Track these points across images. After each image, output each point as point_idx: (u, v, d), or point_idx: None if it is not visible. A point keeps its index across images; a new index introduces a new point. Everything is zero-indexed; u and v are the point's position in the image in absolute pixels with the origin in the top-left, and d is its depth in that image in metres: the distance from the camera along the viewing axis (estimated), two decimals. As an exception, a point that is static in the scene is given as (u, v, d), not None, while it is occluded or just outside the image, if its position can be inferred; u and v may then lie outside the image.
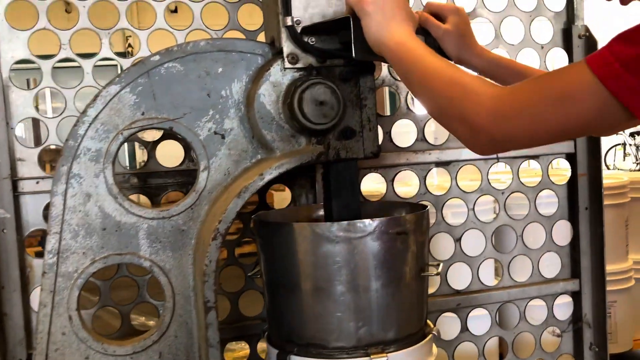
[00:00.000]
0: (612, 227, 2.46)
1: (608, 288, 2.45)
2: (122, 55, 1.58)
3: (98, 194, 1.22)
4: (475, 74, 1.27)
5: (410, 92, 1.07)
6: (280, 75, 1.25)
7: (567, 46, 1.78)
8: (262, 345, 1.48)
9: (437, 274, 1.31)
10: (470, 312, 1.75)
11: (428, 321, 1.36)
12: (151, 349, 1.25)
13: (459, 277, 1.77)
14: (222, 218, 1.16)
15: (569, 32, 1.77)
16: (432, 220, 1.72)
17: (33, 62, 1.46)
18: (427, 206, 1.35)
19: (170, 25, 1.53)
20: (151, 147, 1.54)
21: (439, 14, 1.24)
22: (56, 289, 1.20)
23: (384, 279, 1.21)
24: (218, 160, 1.27)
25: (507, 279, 1.78)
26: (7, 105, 1.42)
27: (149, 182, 1.52)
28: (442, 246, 1.75)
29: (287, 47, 1.23)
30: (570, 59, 1.77)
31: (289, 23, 1.21)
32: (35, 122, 1.53)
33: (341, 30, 1.16)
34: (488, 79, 1.01)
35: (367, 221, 1.18)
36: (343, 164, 1.29)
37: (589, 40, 1.76)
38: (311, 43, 1.23)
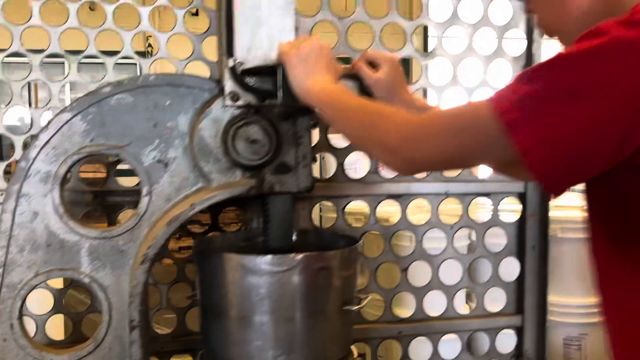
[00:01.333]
0: (581, 260, 2.51)
1: (579, 321, 2.51)
2: (142, 54, 1.69)
3: (45, 213, 1.31)
4: None
5: (335, 130, 1.15)
6: (221, 112, 1.34)
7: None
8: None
9: (360, 307, 1.37)
10: (412, 340, 1.82)
11: (353, 348, 1.43)
12: (86, 359, 1.35)
13: (406, 306, 1.84)
14: (151, 244, 1.25)
15: (526, 76, 1.83)
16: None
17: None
18: (358, 241, 1.42)
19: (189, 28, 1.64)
20: (110, 166, 1.64)
21: (373, 63, 1.32)
22: (0, 298, 1.29)
23: (305, 311, 1.29)
24: (160, 186, 1.36)
25: (451, 310, 1.85)
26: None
27: (107, 200, 1.62)
28: (391, 275, 1.82)
29: (228, 85, 1.31)
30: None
31: (231, 64, 1.30)
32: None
33: (276, 74, 1.25)
34: (403, 109, 1.07)
35: (291, 256, 1.26)
36: (278, 197, 1.37)
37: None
38: (251, 84, 1.31)
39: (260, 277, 1.25)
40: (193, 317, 1.69)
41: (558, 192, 0.78)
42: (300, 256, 1.26)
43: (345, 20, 1.72)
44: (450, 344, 1.87)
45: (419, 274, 1.82)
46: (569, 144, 0.74)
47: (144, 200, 1.35)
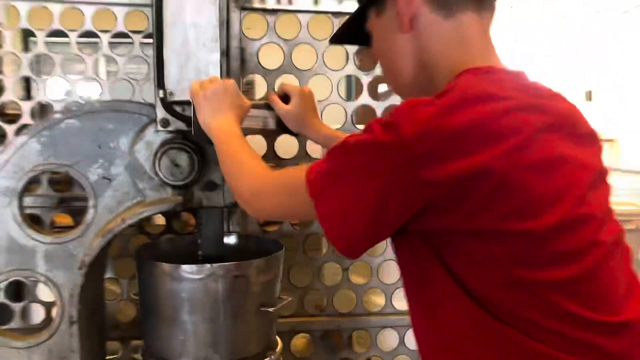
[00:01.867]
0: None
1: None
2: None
3: (6, 221, 1.53)
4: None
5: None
6: (153, 136, 1.52)
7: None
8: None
9: (275, 309, 1.55)
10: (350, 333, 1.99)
11: (279, 341, 1.62)
12: (43, 344, 1.57)
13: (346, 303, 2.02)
14: (88, 252, 1.46)
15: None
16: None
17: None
18: (281, 248, 1.59)
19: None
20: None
21: (286, 94, 1.47)
22: (-31, 292, 1.53)
23: (223, 313, 1.47)
24: (104, 199, 1.56)
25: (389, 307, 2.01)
26: None
27: (72, 204, 1.83)
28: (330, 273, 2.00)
29: (159, 113, 1.49)
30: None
31: (161, 95, 1.48)
32: None
33: None
34: (262, 162, 1.17)
35: (207, 266, 1.45)
36: (207, 211, 1.56)
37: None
38: (180, 112, 1.49)
39: (181, 283, 1.44)
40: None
41: (351, 255, 0.91)
42: (214, 266, 1.44)
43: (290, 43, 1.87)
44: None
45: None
46: (352, 215, 0.87)
47: (91, 212, 1.55)
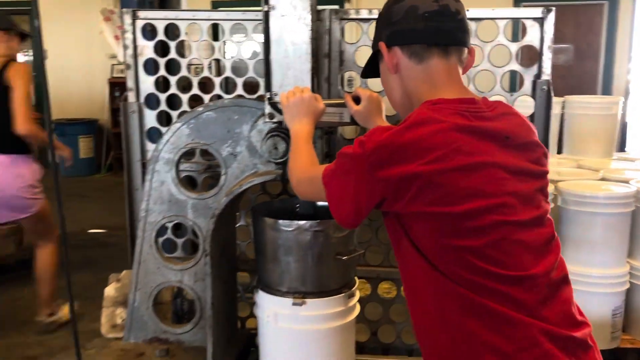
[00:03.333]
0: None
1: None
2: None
3: (168, 182, 2.20)
4: None
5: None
6: (263, 125, 2.07)
7: (533, 95, 2.24)
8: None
9: (347, 258, 2.04)
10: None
11: (356, 281, 2.12)
12: (190, 269, 2.25)
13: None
14: (218, 207, 2.07)
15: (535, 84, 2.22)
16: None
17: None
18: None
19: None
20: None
21: (358, 97, 1.92)
22: (145, 229, 2.24)
23: (308, 256, 2.00)
24: (232, 170, 2.16)
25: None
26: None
27: (215, 170, 2.47)
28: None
29: (267, 109, 2.03)
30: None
31: (268, 96, 2.01)
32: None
33: None
34: (311, 160, 1.64)
35: (296, 222, 1.98)
36: (303, 181, 2.08)
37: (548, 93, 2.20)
38: (281, 108, 2.01)
39: (278, 233, 2.00)
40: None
41: (345, 226, 1.37)
42: (301, 222, 1.97)
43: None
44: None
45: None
46: (342, 200, 1.34)
47: (222, 178, 2.16)
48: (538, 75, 2.23)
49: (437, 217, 1.23)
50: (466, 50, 1.39)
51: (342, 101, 1.96)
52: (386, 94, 1.47)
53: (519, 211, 1.26)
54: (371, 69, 1.53)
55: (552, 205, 2.60)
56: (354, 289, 2.12)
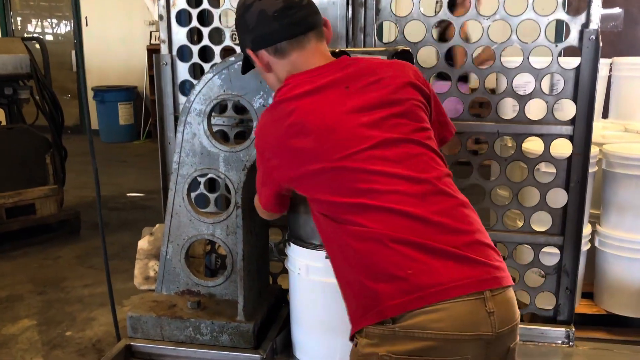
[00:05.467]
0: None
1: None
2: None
3: (199, 134, 2.17)
4: None
5: None
6: (296, 75, 2.01)
7: (580, 45, 2.12)
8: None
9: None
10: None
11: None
12: (223, 222, 2.23)
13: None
14: (249, 159, 2.03)
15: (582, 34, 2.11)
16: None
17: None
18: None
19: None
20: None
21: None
22: (177, 181, 2.22)
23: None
24: (263, 121, 2.11)
25: (500, 225, 2.32)
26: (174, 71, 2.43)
27: (248, 124, 2.43)
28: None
29: (300, 58, 1.97)
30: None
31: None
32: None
33: None
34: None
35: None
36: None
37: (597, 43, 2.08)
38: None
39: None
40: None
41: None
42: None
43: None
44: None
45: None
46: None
47: (255, 130, 2.12)
48: (586, 25, 2.11)
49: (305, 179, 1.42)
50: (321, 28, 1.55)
51: (377, 49, 1.89)
52: (271, 88, 1.64)
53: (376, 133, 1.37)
54: (249, 65, 1.69)
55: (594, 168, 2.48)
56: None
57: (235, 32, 1.67)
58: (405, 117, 1.40)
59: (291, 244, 2.08)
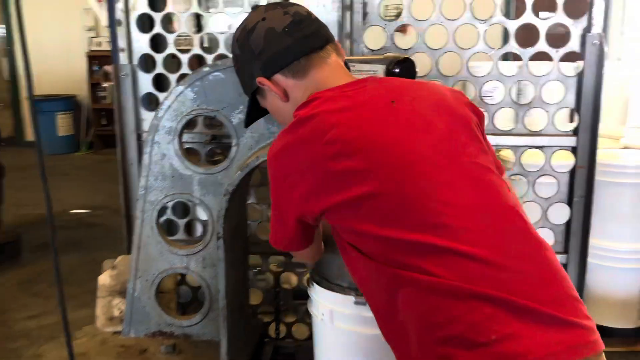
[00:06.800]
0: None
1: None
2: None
3: (170, 155, 1.91)
4: None
5: None
6: (282, 87, 1.79)
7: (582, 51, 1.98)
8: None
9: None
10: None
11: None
12: (199, 253, 1.98)
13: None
14: (231, 182, 1.79)
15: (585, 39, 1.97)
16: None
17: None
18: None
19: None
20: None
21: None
22: (144, 209, 1.96)
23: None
24: (244, 139, 1.88)
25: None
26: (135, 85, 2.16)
27: (222, 141, 2.18)
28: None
29: (287, 68, 1.75)
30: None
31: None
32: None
33: None
34: None
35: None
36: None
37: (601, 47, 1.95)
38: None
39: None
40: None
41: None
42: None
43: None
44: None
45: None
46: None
47: (233, 149, 1.89)
48: (588, 29, 1.97)
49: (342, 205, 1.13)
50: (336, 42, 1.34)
51: (377, 57, 1.69)
52: (285, 124, 1.28)
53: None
54: (255, 114, 1.46)
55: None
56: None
57: (233, 65, 1.42)
58: (467, 137, 1.16)
59: (314, 284, 1.76)
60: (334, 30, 1.73)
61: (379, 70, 1.68)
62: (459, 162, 1.12)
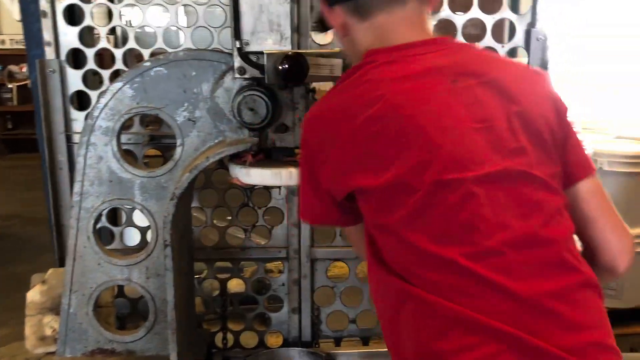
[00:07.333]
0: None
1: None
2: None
3: (107, 157, 1.76)
4: None
5: None
6: (231, 83, 1.68)
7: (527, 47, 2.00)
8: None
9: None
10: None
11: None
12: (141, 263, 1.83)
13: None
14: (178, 185, 1.66)
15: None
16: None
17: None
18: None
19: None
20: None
21: None
22: (80, 217, 1.79)
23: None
24: (190, 139, 1.75)
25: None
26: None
27: (161, 141, 2.04)
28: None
29: (237, 62, 1.64)
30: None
31: (238, 45, 1.62)
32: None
33: None
34: None
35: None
36: (282, 150, 1.73)
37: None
38: (254, 60, 1.63)
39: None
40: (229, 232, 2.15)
41: None
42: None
43: None
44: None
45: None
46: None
47: (178, 150, 1.76)
48: (532, 24, 1.99)
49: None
50: None
51: (332, 50, 1.62)
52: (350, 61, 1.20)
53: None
54: (325, 23, 1.24)
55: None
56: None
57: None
58: (532, 143, 0.99)
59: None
60: (286, 23, 1.64)
61: (336, 64, 1.61)
62: (512, 171, 0.97)
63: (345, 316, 2.23)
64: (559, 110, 1.06)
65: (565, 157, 1.05)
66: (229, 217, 2.16)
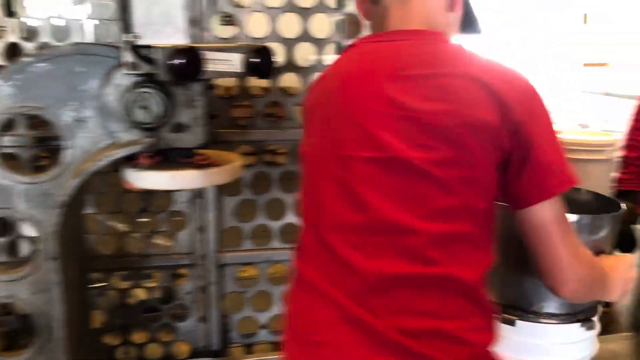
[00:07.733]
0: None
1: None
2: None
3: (-16, 162, 1.59)
4: None
5: None
6: (122, 79, 1.55)
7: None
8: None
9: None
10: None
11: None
12: (27, 278, 1.67)
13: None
14: (65, 192, 1.52)
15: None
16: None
17: None
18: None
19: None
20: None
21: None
22: (-46, 230, 1.61)
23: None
24: (78, 141, 1.61)
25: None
26: None
27: (49, 143, 1.87)
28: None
29: (127, 57, 1.52)
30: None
31: (127, 39, 1.50)
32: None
33: None
34: None
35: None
36: (179, 150, 1.61)
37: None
38: (146, 55, 1.51)
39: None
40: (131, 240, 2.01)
41: None
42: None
43: None
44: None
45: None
46: None
47: (66, 153, 1.61)
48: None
49: None
50: None
51: (231, 45, 1.53)
52: None
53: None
54: None
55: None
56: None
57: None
58: (446, 144, 0.96)
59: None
60: (179, 15, 1.53)
61: (235, 59, 1.52)
62: (403, 159, 0.98)
63: (256, 322, 2.15)
64: (513, 121, 0.96)
65: (521, 176, 0.99)
66: (129, 223, 2.02)
